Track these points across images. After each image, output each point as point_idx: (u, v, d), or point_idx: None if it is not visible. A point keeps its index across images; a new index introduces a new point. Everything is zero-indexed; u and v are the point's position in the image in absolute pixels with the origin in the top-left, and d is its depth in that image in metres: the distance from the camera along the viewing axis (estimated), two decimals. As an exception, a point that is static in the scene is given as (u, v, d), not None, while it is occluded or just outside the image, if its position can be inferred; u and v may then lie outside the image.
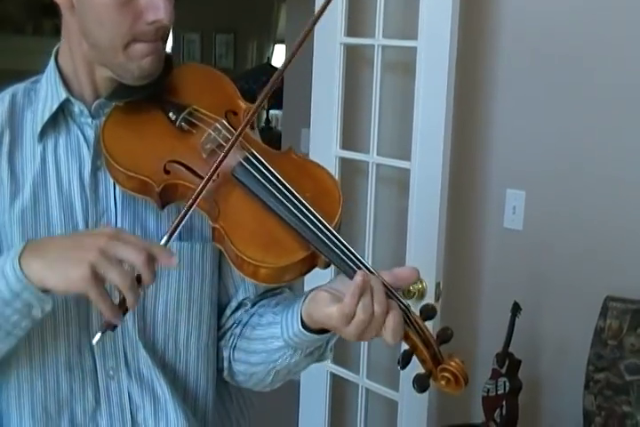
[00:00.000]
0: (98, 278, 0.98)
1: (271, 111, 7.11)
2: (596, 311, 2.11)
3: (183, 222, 1.05)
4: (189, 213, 1.05)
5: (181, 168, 1.11)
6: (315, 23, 1.13)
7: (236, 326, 1.23)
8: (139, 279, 1.00)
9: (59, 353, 1.15)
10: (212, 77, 1.23)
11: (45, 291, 1.02)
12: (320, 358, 1.19)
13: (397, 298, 1.06)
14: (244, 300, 1.24)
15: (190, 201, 1.06)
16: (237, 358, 1.22)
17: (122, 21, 1.08)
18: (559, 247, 2.34)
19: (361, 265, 1.05)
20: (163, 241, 1.04)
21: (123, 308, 1.01)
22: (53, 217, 1.14)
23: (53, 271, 0.99)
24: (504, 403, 2.21)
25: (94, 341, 1.01)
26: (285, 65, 1.13)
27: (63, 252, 1.00)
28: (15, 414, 1.17)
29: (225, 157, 1.08)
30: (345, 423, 2.77)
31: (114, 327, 1.02)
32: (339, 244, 1.05)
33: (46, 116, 1.15)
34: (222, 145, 1.11)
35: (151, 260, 1.00)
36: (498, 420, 2.22)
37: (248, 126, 1.14)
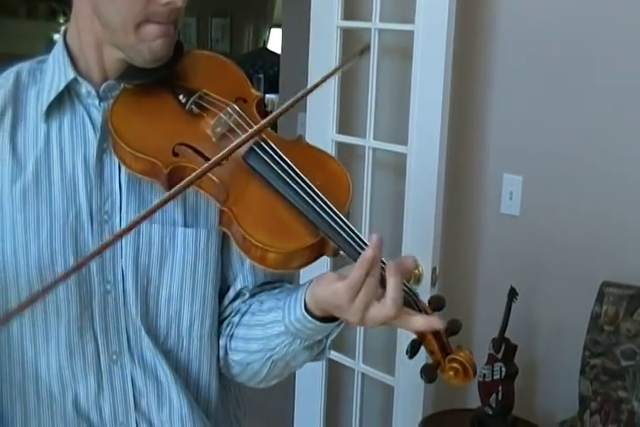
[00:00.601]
0: None
1: (267, 95, 7.09)
2: (592, 297, 2.11)
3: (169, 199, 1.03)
4: (181, 192, 1.03)
5: (190, 151, 1.10)
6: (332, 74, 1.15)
7: (234, 315, 1.22)
8: None
9: (59, 335, 1.14)
10: (222, 65, 1.23)
11: None
12: (318, 356, 1.19)
13: (406, 286, 1.05)
14: (242, 289, 1.22)
15: (188, 179, 1.03)
16: (234, 347, 1.21)
17: (136, 1, 1.07)
18: (556, 233, 2.33)
19: None
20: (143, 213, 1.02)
21: None
22: (55, 198, 1.13)
23: None
24: (500, 388, 2.21)
25: None
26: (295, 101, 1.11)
27: None
28: (19, 395, 1.16)
29: (238, 146, 1.06)
30: (341, 408, 2.77)
31: None
32: (349, 231, 1.05)
33: (52, 96, 1.14)
34: (233, 129, 1.11)
35: None
36: (494, 405, 2.23)
37: (259, 115, 1.15)
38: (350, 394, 2.55)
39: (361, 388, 2.50)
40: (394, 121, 2.44)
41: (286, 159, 1.10)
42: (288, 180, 1.07)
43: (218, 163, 1.05)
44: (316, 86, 1.12)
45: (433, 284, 2.21)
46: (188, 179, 1.03)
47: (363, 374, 2.48)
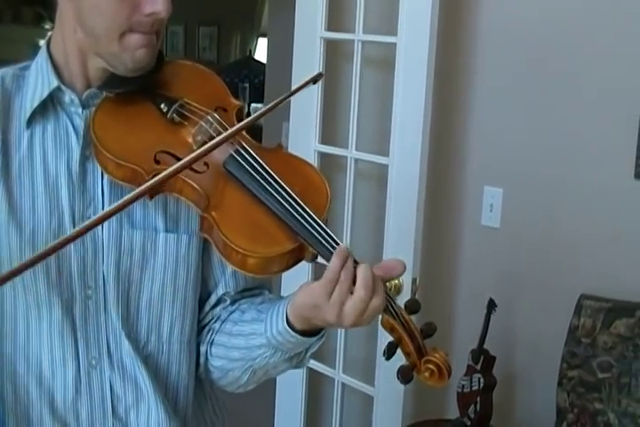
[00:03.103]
0: None
1: (252, 105, 7.10)
2: (570, 309, 2.12)
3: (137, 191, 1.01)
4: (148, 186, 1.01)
5: (172, 158, 1.12)
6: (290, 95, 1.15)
7: (215, 322, 1.23)
8: None
9: (41, 337, 1.15)
10: (202, 74, 1.25)
11: None
12: (298, 365, 1.20)
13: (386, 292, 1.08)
14: (223, 295, 1.23)
15: (161, 175, 1.03)
16: (215, 354, 1.22)
17: (120, 10, 1.08)
18: (535, 245, 2.35)
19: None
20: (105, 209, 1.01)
21: None
22: (38, 204, 1.14)
23: None
24: (478, 399, 2.22)
25: None
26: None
27: None
28: None
29: (214, 146, 1.08)
30: (321, 418, 2.77)
31: None
32: (327, 236, 1.07)
33: (35, 103, 1.15)
34: (213, 137, 1.12)
35: None
36: (472, 416, 2.24)
37: (237, 122, 1.15)
38: (330, 404, 2.55)
39: (341, 397, 2.50)
40: (376, 132, 2.45)
41: (265, 166, 1.12)
42: (267, 186, 1.10)
43: (195, 161, 1.06)
44: (275, 105, 1.13)
45: (413, 294, 2.21)
46: (160, 175, 1.03)
47: (343, 384, 2.49)
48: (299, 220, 1.07)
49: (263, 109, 1.15)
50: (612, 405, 2.01)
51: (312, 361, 2.53)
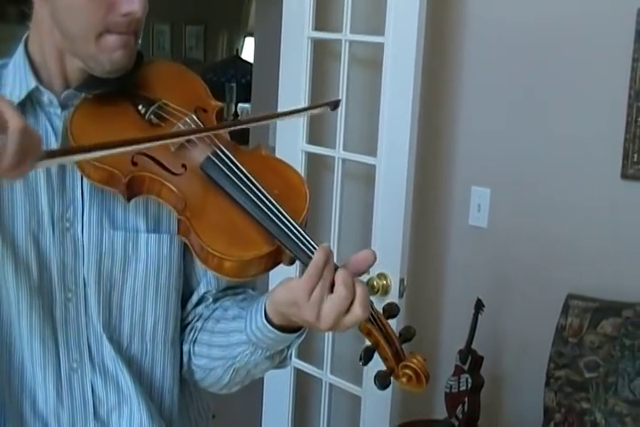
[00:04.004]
0: None
1: (240, 104, 7.09)
2: (557, 309, 2.12)
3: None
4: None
5: (149, 160, 1.11)
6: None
7: (197, 320, 1.23)
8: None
9: (22, 340, 1.14)
10: (182, 74, 1.24)
11: None
12: (280, 365, 1.19)
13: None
14: (205, 294, 1.23)
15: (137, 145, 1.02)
16: (198, 352, 1.22)
17: (95, 11, 1.07)
18: (523, 245, 2.35)
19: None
20: None
21: None
22: (17, 205, 1.12)
23: None
24: (466, 399, 2.23)
25: None
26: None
27: None
28: None
29: (192, 133, 1.08)
30: (308, 418, 2.77)
31: None
32: (304, 239, 1.06)
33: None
34: (191, 139, 1.11)
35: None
36: (460, 416, 2.24)
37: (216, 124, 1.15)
38: (318, 404, 2.54)
39: (328, 398, 2.50)
40: (363, 132, 2.45)
41: (242, 168, 1.10)
42: (244, 188, 1.08)
43: (157, 139, 1.04)
44: (278, 116, 1.16)
45: (400, 295, 2.22)
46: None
47: (330, 385, 2.48)
48: (275, 223, 1.06)
49: (256, 118, 1.13)
50: (598, 404, 2.02)
51: (299, 362, 2.53)
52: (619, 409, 1.98)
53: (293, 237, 1.06)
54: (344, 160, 2.37)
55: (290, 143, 2.40)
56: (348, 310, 1.03)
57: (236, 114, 7.11)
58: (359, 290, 1.03)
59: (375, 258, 1.08)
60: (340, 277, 1.03)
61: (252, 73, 3.65)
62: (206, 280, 1.22)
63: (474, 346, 2.23)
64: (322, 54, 2.45)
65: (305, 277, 1.04)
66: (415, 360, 1.06)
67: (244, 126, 1.13)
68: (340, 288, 1.03)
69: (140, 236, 1.16)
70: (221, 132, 1.13)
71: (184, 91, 1.20)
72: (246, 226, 1.07)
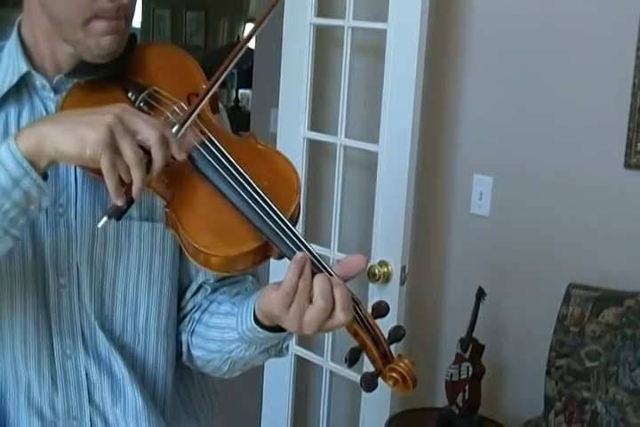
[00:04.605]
0: (113, 144, 0.97)
1: (241, 90, 7.06)
2: (559, 298, 2.12)
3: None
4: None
5: None
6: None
7: (196, 311, 1.22)
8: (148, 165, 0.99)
9: (15, 327, 1.13)
10: (177, 58, 1.21)
11: (46, 177, 1.01)
12: (278, 355, 1.18)
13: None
14: (203, 283, 1.22)
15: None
16: (195, 344, 1.21)
17: None
18: (525, 234, 2.34)
19: (313, 259, 1.02)
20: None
21: (128, 193, 1.00)
22: None
23: (68, 134, 0.98)
24: (467, 387, 2.22)
25: (99, 225, 1.01)
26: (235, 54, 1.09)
27: (78, 118, 1.00)
28: None
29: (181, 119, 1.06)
30: (309, 406, 2.77)
31: (119, 215, 1.01)
32: (292, 237, 1.03)
33: (5, 89, 1.13)
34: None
35: (165, 140, 1.00)
36: (460, 404, 2.24)
37: (209, 110, 1.12)
38: (318, 391, 2.55)
39: (329, 385, 2.50)
40: (366, 119, 2.43)
41: (231, 159, 1.07)
42: (232, 181, 1.05)
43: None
44: (243, 44, 1.09)
45: (402, 283, 2.21)
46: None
47: (331, 372, 2.48)
48: (263, 219, 1.03)
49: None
50: (599, 393, 2.02)
51: (300, 349, 2.53)
52: (619, 398, 1.98)
53: (281, 233, 1.02)
54: (346, 147, 2.35)
55: (291, 130, 2.39)
56: (330, 315, 1.01)
57: (237, 100, 7.09)
58: (338, 296, 1.00)
59: (366, 265, 1.06)
60: (317, 287, 1.00)
61: (254, 59, 3.62)
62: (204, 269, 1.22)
63: (475, 334, 2.23)
64: (324, 41, 2.43)
65: (280, 293, 1.01)
66: (402, 364, 1.04)
67: (222, 76, 1.09)
68: (318, 301, 1.00)
69: (134, 223, 1.15)
70: (202, 105, 1.08)
71: (177, 76, 1.17)
72: (234, 220, 1.04)
